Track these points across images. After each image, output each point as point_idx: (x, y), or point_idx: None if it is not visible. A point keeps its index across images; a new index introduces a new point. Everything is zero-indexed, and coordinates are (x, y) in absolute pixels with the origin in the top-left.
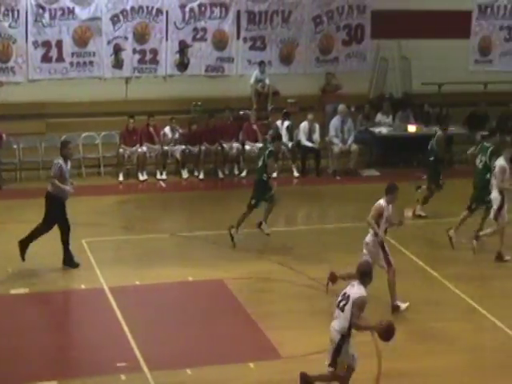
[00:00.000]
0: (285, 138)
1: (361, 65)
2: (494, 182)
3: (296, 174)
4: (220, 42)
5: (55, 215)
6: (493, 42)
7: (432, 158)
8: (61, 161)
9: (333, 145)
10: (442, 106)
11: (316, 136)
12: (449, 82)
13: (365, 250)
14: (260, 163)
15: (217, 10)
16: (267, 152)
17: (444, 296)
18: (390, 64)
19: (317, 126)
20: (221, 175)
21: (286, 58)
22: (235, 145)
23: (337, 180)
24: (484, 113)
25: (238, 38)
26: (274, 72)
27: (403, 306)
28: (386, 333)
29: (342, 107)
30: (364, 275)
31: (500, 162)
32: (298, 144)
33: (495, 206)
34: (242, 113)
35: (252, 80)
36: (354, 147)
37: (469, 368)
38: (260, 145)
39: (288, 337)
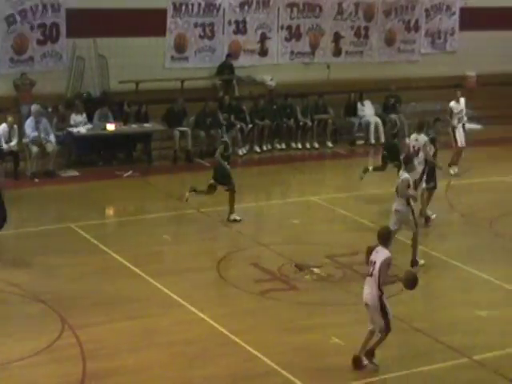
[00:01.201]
0: None
1: (57, 64)
2: None
3: None
4: None
5: None
6: (188, 39)
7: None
8: None
9: (30, 146)
10: (141, 104)
11: (15, 138)
12: (146, 80)
13: (394, 218)
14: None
15: None
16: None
17: (147, 292)
18: (86, 63)
19: (16, 128)
20: None
21: None
22: None
23: (36, 182)
24: (182, 109)
25: None
26: None
27: (421, 261)
28: (412, 282)
29: (34, 107)
30: (386, 239)
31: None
32: None
33: None
34: None
35: None
36: (53, 148)
37: (174, 361)
38: None
39: None
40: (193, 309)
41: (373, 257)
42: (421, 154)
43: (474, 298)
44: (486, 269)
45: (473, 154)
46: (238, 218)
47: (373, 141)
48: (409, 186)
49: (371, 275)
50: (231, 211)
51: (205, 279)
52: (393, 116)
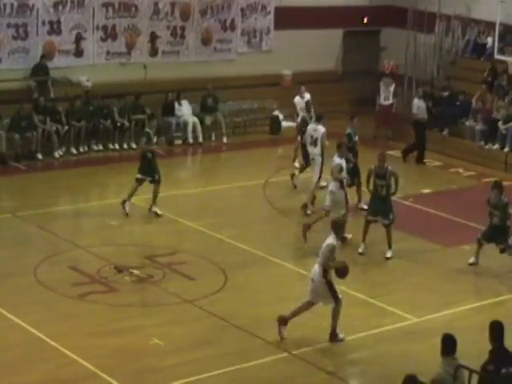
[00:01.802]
0: None
1: None
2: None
3: None
4: None
5: None
6: (1, 40)
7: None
8: None
9: None
10: None
11: None
12: None
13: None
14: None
15: None
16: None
17: None
18: None
19: None
20: None
21: None
22: None
23: None
24: None
25: None
26: None
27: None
28: (342, 270)
29: None
30: (338, 228)
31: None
32: None
33: None
34: None
35: None
36: None
37: None
38: None
39: None
40: (10, 315)
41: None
42: (318, 145)
43: (293, 294)
44: (303, 264)
45: (289, 151)
46: (159, 212)
47: (191, 140)
48: (341, 170)
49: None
50: (154, 202)
51: (21, 284)
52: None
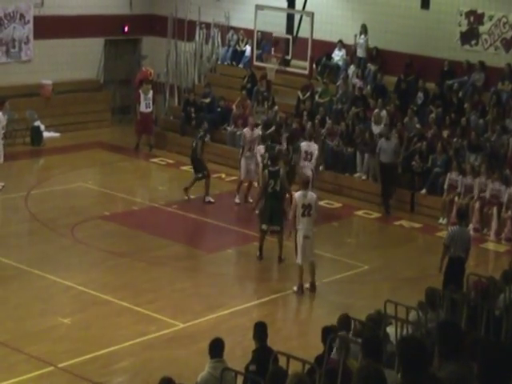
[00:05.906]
0: None
1: None
2: None
3: None
4: None
5: None
6: None
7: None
8: None
9: None
10: None
11: None
12: None
13: None
14: (194, 145)
15: None
16: (199, 136)
17: None
18: None
19: None
20: None
21: None
22: None
23: None
24: None
25: None
26: None
27: None
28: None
29: None
30: (306, 183)
31: None
32: None
33: None
34: None
35: None
36: None
37: None
38: None
39: None
40: None
41: (304, 201)
42: None
43: (58, 306)
44: (68, 276)
45: (52, 162)
46: (212, 199)
47: None
48: None
49: (309, 215)
50: (207, 193)
51: None
52: None
